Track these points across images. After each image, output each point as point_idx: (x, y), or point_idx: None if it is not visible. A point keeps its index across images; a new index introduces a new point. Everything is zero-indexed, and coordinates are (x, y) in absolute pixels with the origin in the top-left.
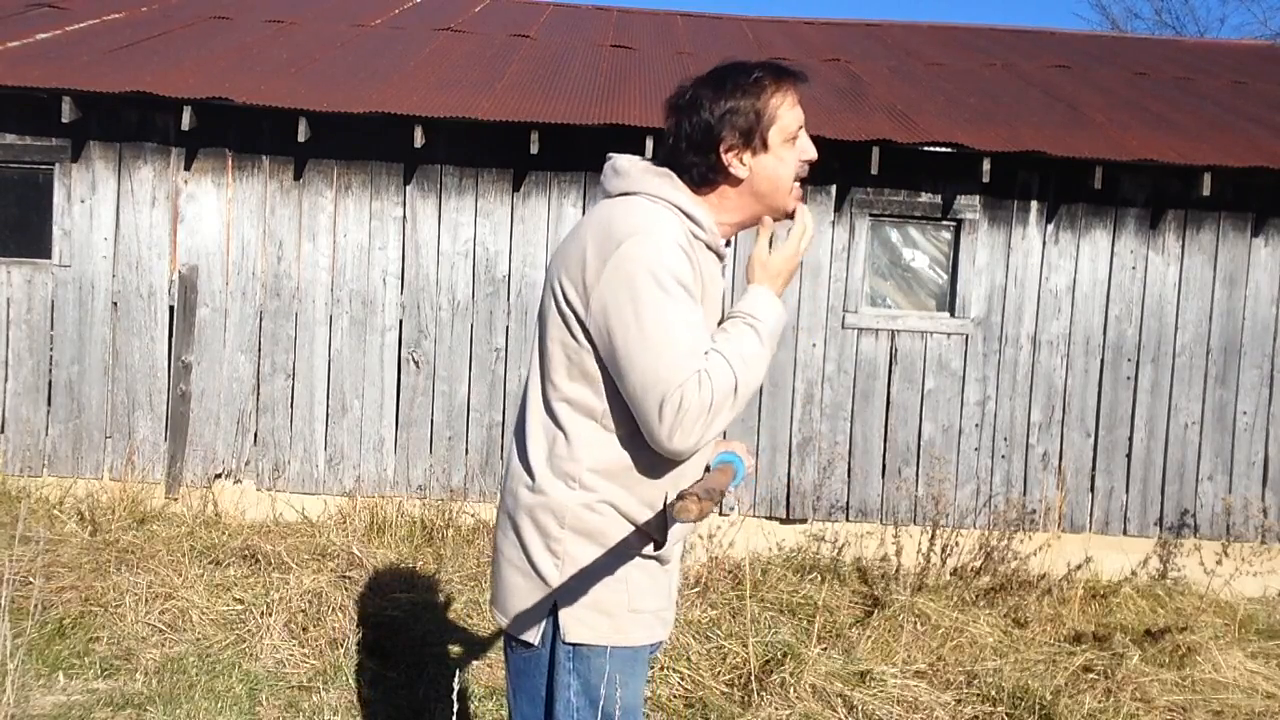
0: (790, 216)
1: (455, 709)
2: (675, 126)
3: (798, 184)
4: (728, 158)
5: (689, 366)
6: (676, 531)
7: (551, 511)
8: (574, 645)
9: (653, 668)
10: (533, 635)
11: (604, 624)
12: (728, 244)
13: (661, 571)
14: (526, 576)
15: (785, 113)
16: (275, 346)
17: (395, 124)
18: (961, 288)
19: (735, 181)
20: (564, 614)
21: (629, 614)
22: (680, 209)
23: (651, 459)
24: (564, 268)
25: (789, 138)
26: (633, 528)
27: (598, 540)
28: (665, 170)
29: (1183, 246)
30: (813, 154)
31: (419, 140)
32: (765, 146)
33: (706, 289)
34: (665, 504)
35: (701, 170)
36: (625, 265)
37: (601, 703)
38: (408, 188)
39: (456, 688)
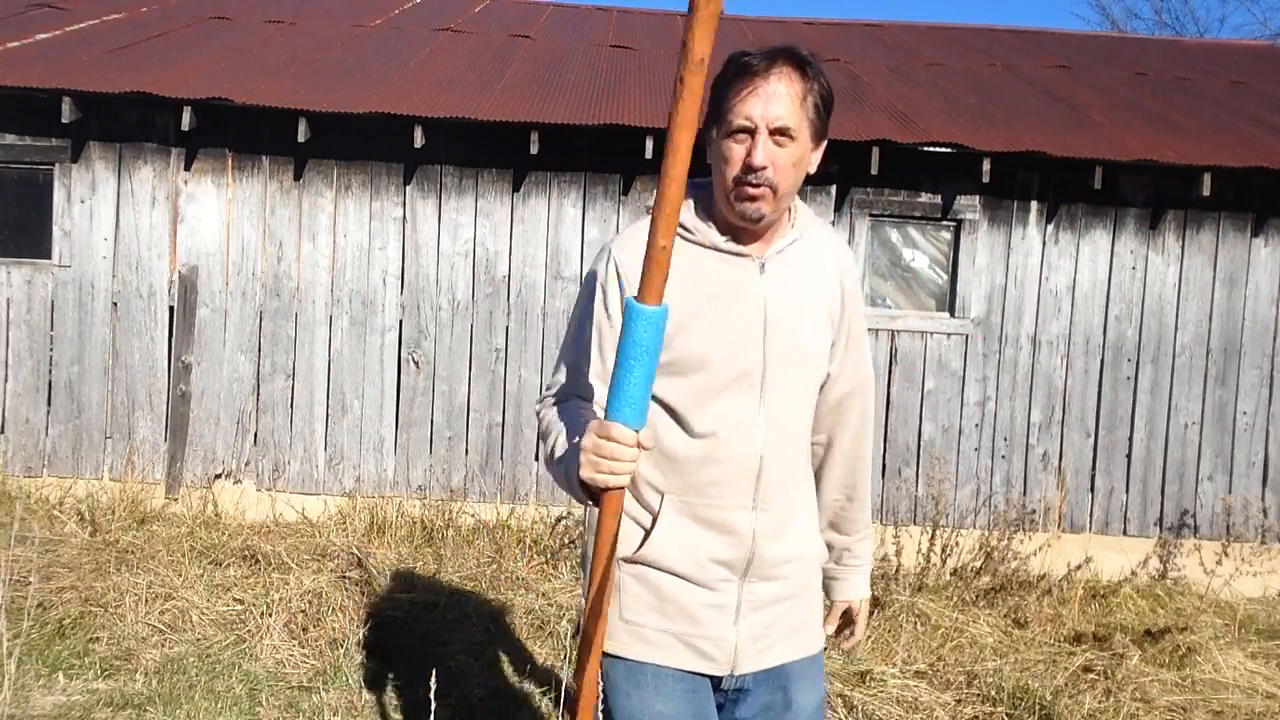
0: (734, 211)
1: (433, 706)
2: None
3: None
4: (708, 135)
5: (550, 384)
6: (668, 532)
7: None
8: (604, 656)
9: None
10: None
11: (616, 630)
12: (753, 240)
13: (659, 582)
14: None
15: (735, 102)
16: (275, 347)
17: (395, 124)
18: (961, 288)
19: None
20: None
21: (620, 623)
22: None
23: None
24: None
25: (729, 131)
26: (635, 526)
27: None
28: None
29: (1183, 247)
30: (754, 160)
31: (419, 140)
32: (717, 132)
33: (689, 285)
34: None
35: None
36: None
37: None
38: (408, 188)
39: (434, 686)
